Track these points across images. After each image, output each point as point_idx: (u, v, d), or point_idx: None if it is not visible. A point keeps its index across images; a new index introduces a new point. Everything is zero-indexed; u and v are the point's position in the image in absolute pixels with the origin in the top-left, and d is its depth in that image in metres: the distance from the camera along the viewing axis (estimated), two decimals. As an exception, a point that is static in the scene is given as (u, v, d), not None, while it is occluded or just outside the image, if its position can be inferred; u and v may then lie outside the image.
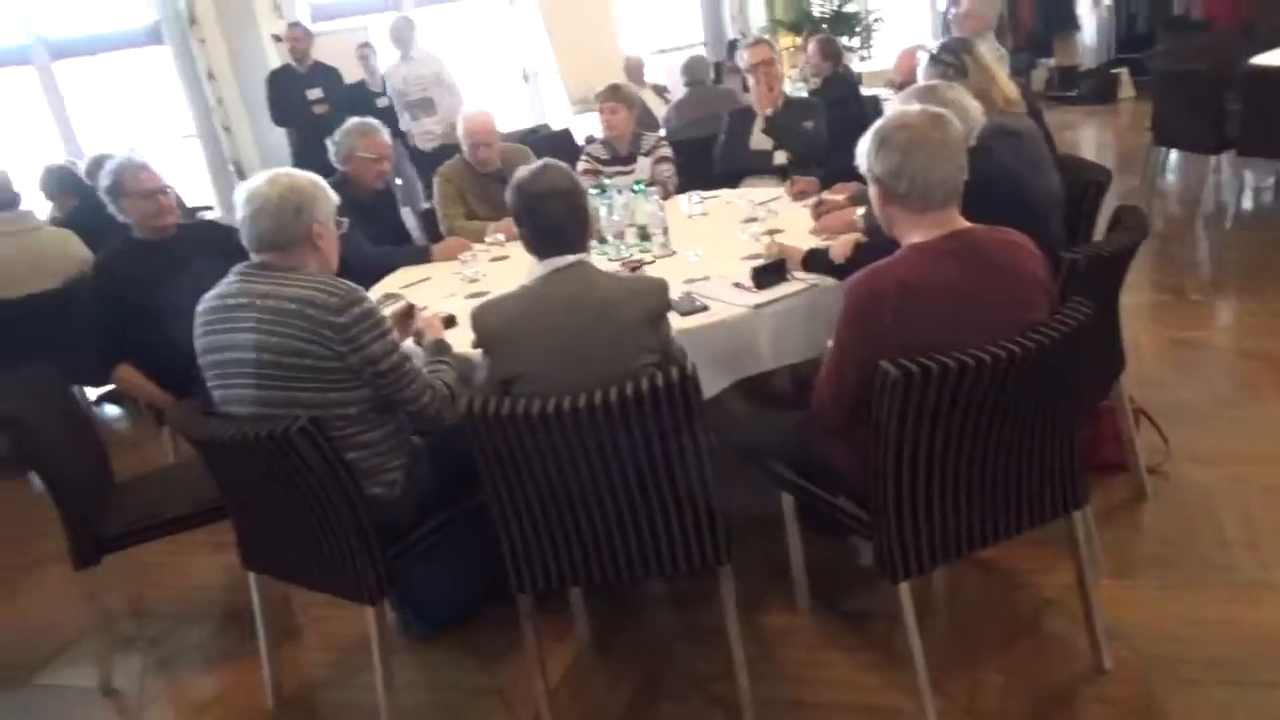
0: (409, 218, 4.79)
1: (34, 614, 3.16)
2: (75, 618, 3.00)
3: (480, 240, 3.60)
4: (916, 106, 1.97)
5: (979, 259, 1.84)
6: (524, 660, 2.36)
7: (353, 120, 3.74)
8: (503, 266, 3.32)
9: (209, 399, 2.29)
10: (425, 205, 4.45)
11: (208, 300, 2.21)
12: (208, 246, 3.45)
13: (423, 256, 3.61)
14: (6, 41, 6.88)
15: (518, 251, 3.48)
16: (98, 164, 4.77)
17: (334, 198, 2.27)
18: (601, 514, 1.98)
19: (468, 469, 2.21)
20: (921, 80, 2.70)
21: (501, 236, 3.48)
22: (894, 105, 2.37)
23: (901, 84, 3.31)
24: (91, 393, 4.71)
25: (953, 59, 2.69)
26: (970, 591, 2.45)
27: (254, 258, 2.18)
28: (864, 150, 1.90)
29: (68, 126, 7.06)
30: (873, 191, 1.91)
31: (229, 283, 2.18)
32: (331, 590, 2.23)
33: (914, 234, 1.87)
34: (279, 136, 6.80)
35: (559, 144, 5.76)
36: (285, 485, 2.06)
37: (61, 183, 4.77)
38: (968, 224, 1.88)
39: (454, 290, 3.15)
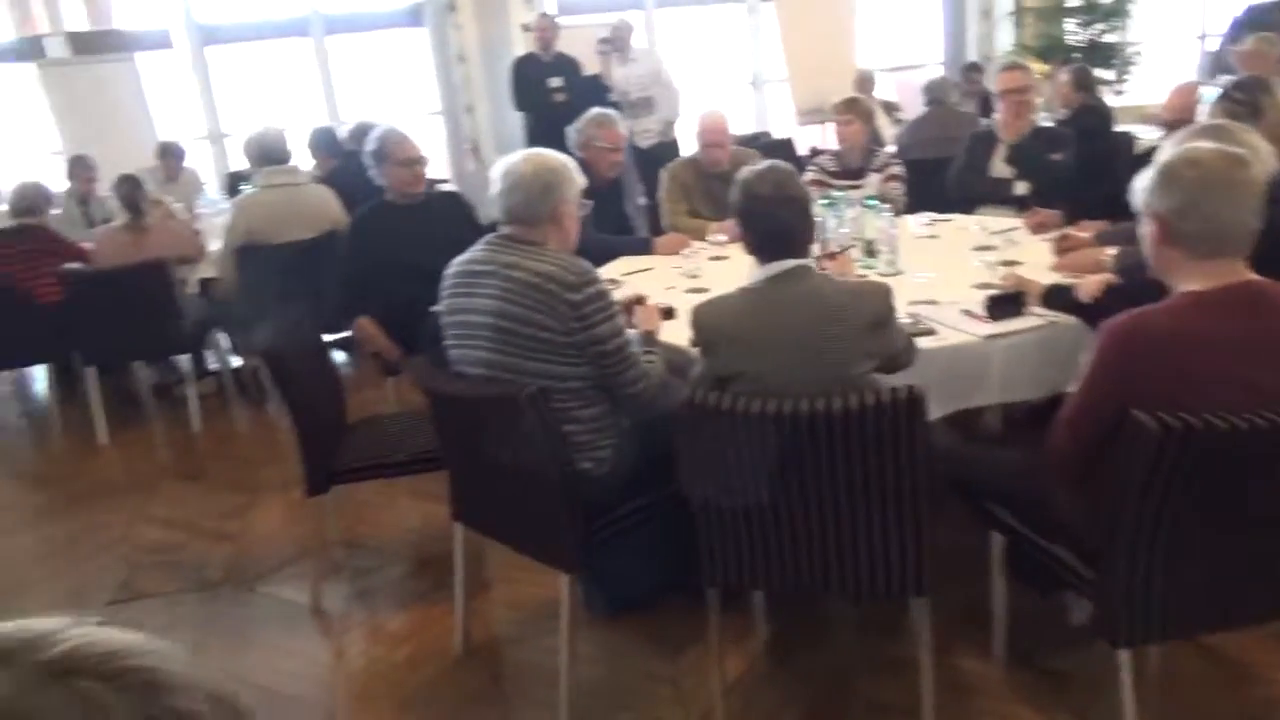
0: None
1: (263, 529, 3.49)
2: (296, 538, 3.30)
3: (701, 238, 3.64)
4: (1208, 144, 1.82)
5: (1269, 316, 1.68)
6: (701, 654, 2.38)
7: (594, 110, 3.88)
8: (722, 266, 3.34)
9: (436, 357, 2.44)
10: (639, 200, 4.55)
11: (457, 264, 2.36)
12: (451, 215, 3.69)
13: (644, 248, 3.70)
14: (290, 14, 7.61)
15: (738, 253, 3.54)
16: (361, 131, 5.18)
17: (581, 180, 2.37)
18: (804, 522, 1.96)
19: (670, 456, 2.25)
20: (1205, 118, 2.50)
21: (723, 236, 3.51)
22: (1171, 143, 2.21)
23: (1172, 122, 3.08)
24: (327, 337, 5.13)
25: (1246, 98, 2.48)
26: (1191, 675, 2.25)
27: (503, 229, 2.31)
28: (1144, 185, 1.78)
29: (332, 95, 7.72)
30: (1148, 229, 1.79)
31: (478, 250, 2.32)
32: (533, 554, 2.32)
33: (1190, 280, 1.73)
34: (515, 120, 7.14)
35: (779, 153, 5.73)
36: (505, 447, 2.17)
37: (325, 145, 5.22)
38: (1254, 276, 1.72)
39: (673, 284, 3.21)
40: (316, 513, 2.98)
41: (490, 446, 2.21)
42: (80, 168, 5.74)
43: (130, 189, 4.44)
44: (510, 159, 2.32)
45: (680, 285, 3.17)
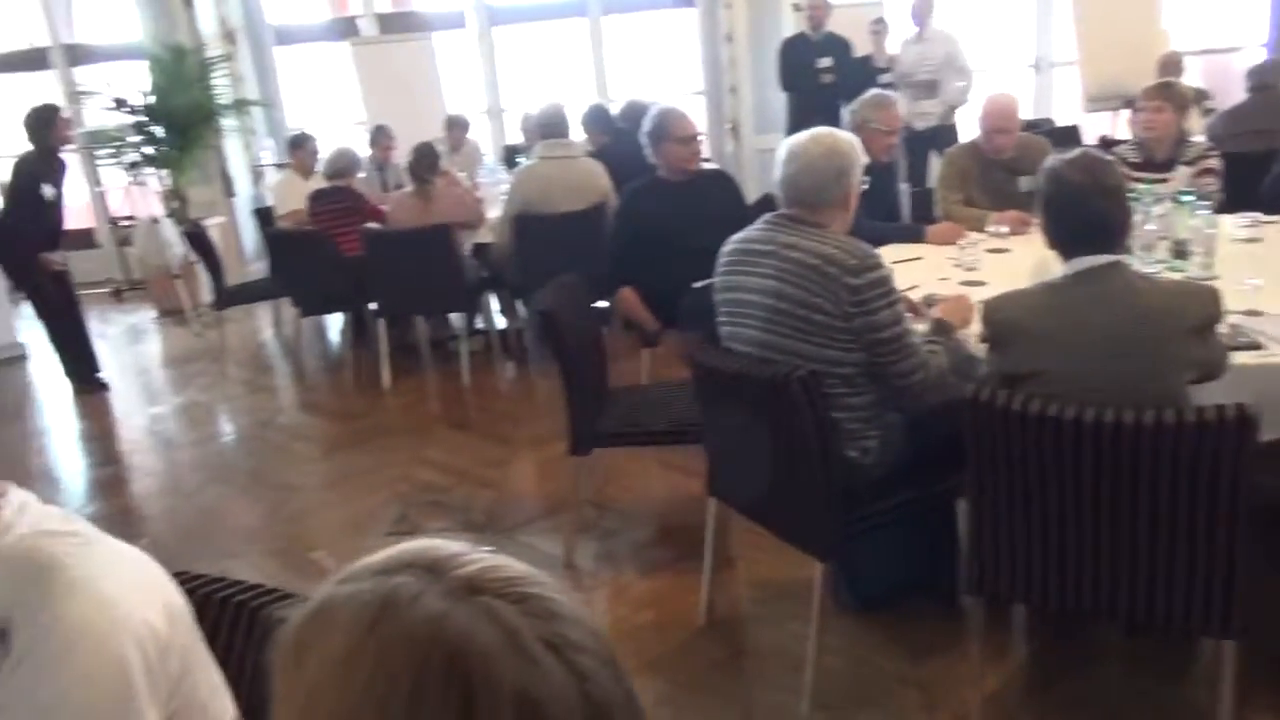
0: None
1: (521, 481, 3.72)
2: (549, 493, 3.48)
3: (978, 229, 3.45)
4: None
5: None
6: (950, 662, 2.28)
7: (873, 91, 3.76)
8: (1002, 260, 3.15)
9: (697, 332, 2.48)
10: (901, 185, 4.37)
11: (733, 242, 2.37)
12: (719, 194, 3.72)
13: (916, 236, 3.55)
14: (568, -4, 7.95)
15: (1019, 246, 3.33)
16: (632, 109, 5.35)
17: (864, 160, 2.31)
18: (1094, 539, 1.81)
19: (938, 455, 2.15)
20: None
21: (1005, 228, 3.31)
22: None
23: None
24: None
25: None
26: None
27: (784, 209, 2.29)
28: None
29: (603, 74, 8.01)
30: None
31: (757, 229, 2.31)
32: (786, 537, 2.31)
33: None
34: (778, 100, 7.08)
35: (1066, 142, 5.31)
36: (770, 427, 2.16)
37: (598, 121, 5.42)
38: None
39: (946, 275, 3.06)
40: (572, 471, 3.12)
41: (754, 426, 2.21)
42: (382, 136, 6.31)
43: (425, 157, 4.83)
44: (796, 139, 2.30)
45: (954, 277, 3.01)
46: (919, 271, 3.12)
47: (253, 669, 1.24)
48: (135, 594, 0.95)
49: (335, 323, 6.07)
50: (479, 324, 5.32)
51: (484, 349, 5.21)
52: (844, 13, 6.83)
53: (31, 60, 8.11)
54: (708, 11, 7.76)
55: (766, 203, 5.52)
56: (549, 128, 4.64)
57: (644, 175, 3.75)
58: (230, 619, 1.28)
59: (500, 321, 5.36)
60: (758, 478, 2.31)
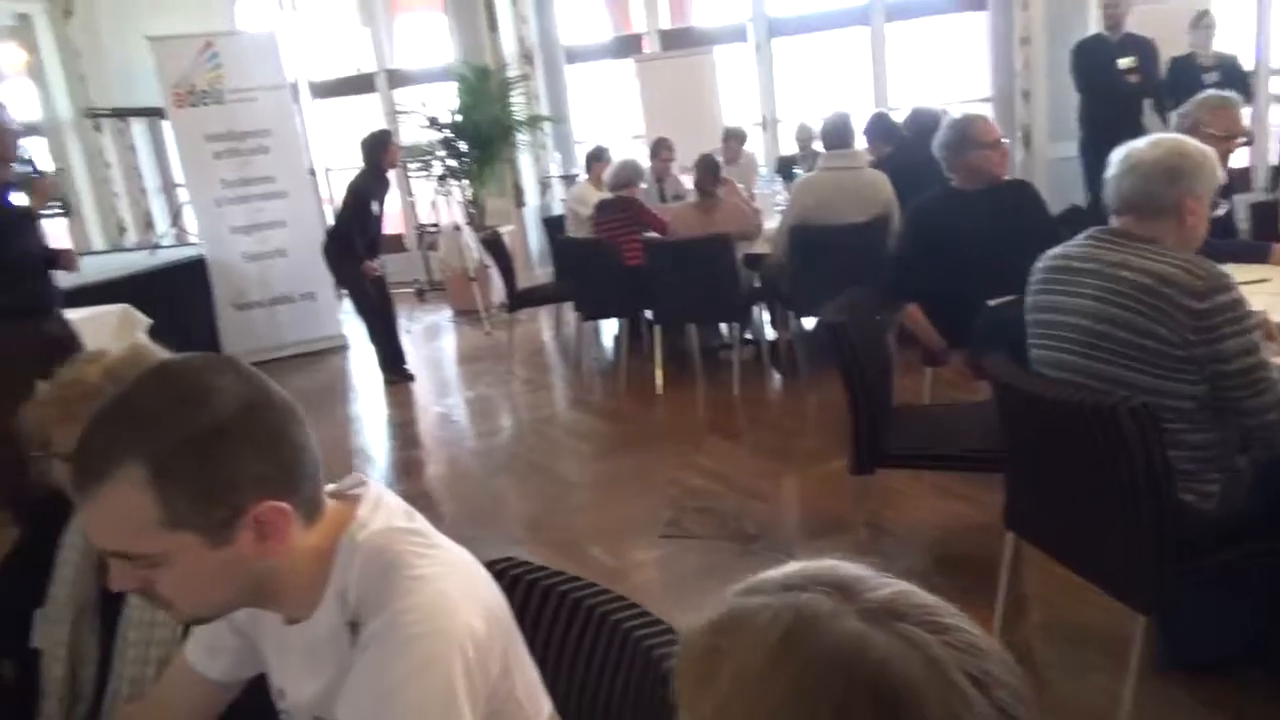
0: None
1: (794, 497, 3.68)
2: (823, 511, 3.41)
3: (1339, 248, 2.99)
4: None
5: None
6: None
7: (1210, 92, 3.36)
8: (1372, 284, 2.71)
9: (988, 353, 2.31)
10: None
11: (1049, 258, 2.20)
12: (1019, 205, 3.48)
13: (1260, 255, 3.14)
14: (853, 3, 7.81)
15: None
16: (919, 117, 5.15)
17: (1220, 175, 2.06)
18: None
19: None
20: None
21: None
22: None
23: None
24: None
25: None
26: None
27: (1112, 222, 2.09)
28: None
29: (883, 82, 7.80)
30: None
31: (1076, 244, 2.13)
32: (1101, 583, 2.10)
33: None
34: (1069, 104, 6.56)
35: None
36: (1090, 461, 1.98)
37: (882, 131, 5.27)
38: None
39: (1299, 300, 2.67)
40: (848, 490, 3.04)
41: (1071, 459, 2.03)
42: (661, 149, 6.50)
43: (710, 169, 4.92)
44: (1134, 143, 2.09)
45: (1310, 303, 2.62)
46: (1265, 296, 2.75)
47: (571, 658, 1.30)
48: (465, 600, 0.99)
49: (610, 328, 6.33)
50: (747, 334, 5.35)
51: (753, 359, 5.22)
52: (1153, 11, 6.24)
53: (359, 84, 9.15)
54: (1000, 13, 7.34)
55: (1073, 215, 5.12)
56: (833, 137, 4.57)
57: (930, 186, 3.59)
58: (553, 608, 1.35)
59: (770, 333, 5.35)
60: (1070, 516, 2.12)
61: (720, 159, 6.41)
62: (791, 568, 0.60)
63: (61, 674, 1.42)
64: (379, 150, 5.45)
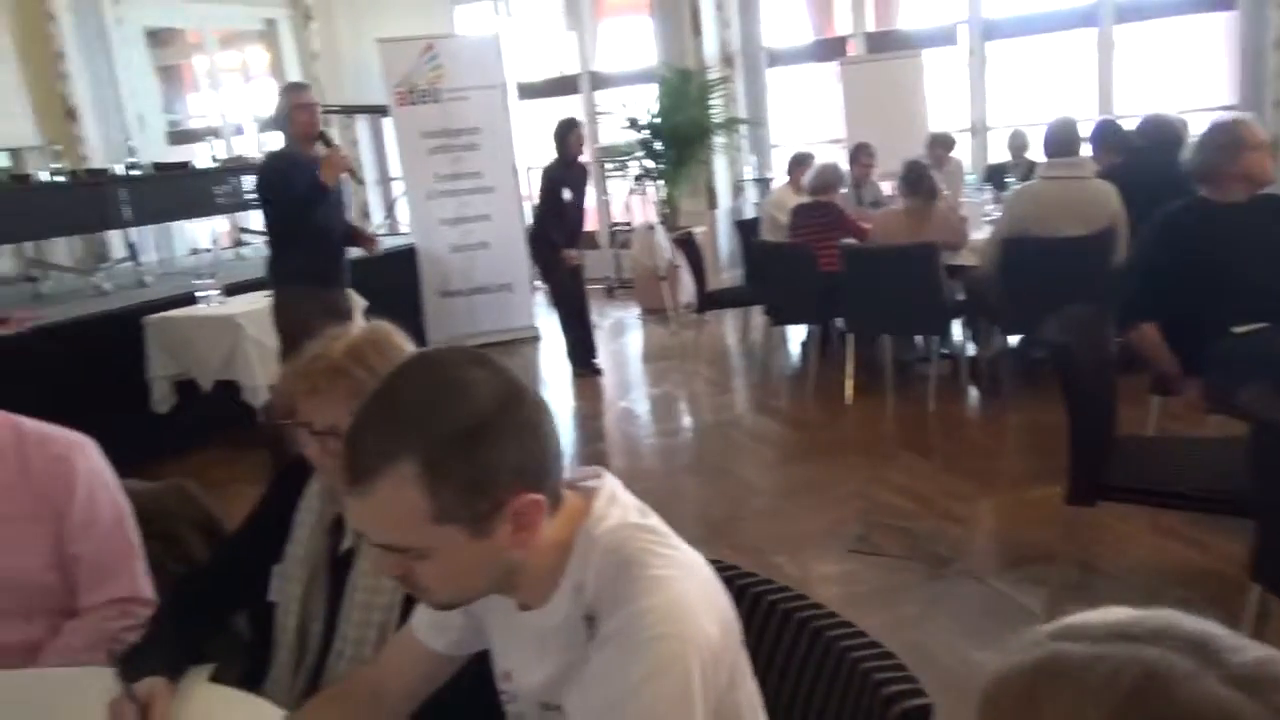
0: None
1: (993, 522, 3.48)
2: (1030, 541, 3.19)
3: None
4: None
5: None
6: None
7: None
8: None
9: (1230, 383, 2.07)
10: None
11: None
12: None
13: None
14: (1077, 3, 7.32)
15: None
16: (1154, 125, 4.75)
17: None
18: None
19: None
20: None
21: None
22: None
23: None
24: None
25: None
26: None
27: None
28: None
29: (1109, 87, 7.27)
30: None
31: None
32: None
33: None
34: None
35: None
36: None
37: (1111, 139, 4.90)
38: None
39: None
40: (1053, 520, 2.82)
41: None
42: (861, 154, 6.34)
43: (921, 176, 4.73)
44: None
45: None
46: None
47: (784, 674, 1.25)
48: (702, 604, 0.97)
49: (798, 334, 6.22)
50: (944, 349, 5.11)
51: (950, 375, 4.98)
52: None
53: (563, 86, 9.44)
54: (1252, 14, 6.67)
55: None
56: (1056, 145, 4.28)
57: (1165, 199, 3.28)
58: (761, 616, 1.31)
59: (969, 348, 5.09)
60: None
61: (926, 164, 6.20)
62: (1121, 615, 0.54)
63: (293, 627, 1.51)
64: (565, 137, 5.62)
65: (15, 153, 7.85)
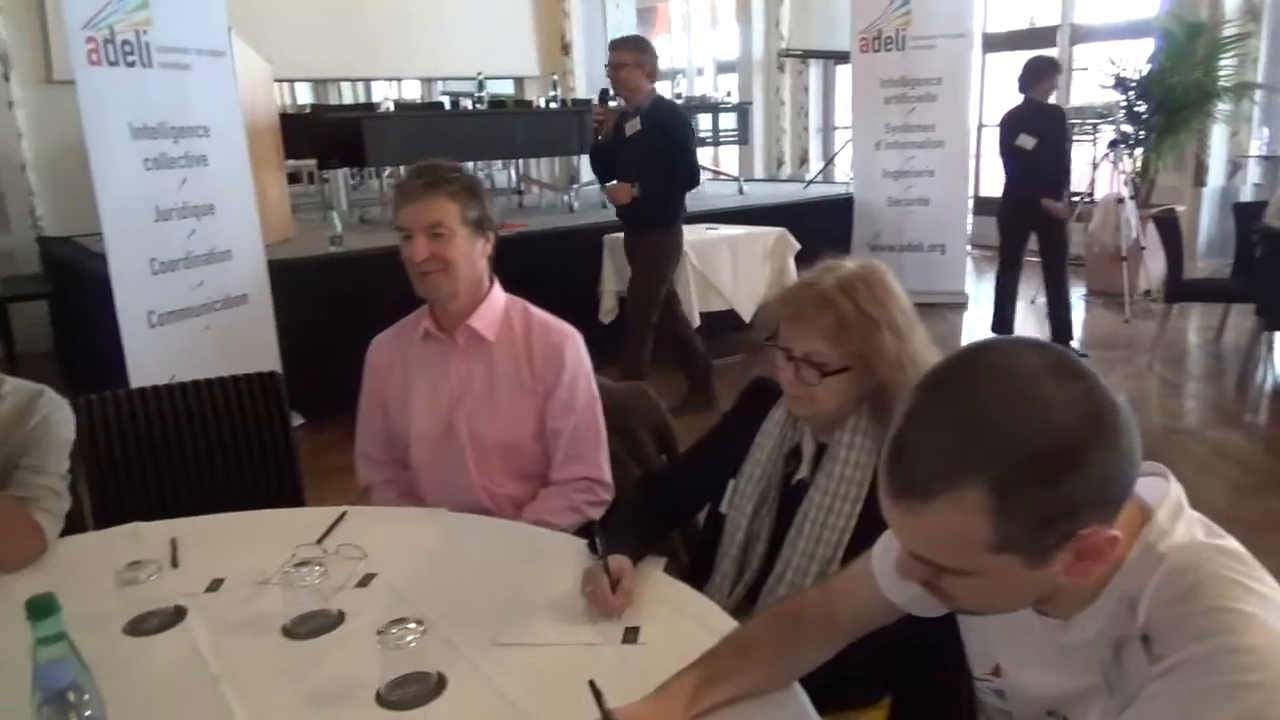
0: None
1: None
2: None
3: None
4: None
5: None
6: None
7: None
8: None
9: None
10: None
11: None
12: None
13: None
14: None
15: None
16: None
17: None
18: None
19: None
20: None
21: None
22: None
23: None
24: None
25: None
26: None
27: None
28: None
29: None
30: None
31: None
32: None
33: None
34: None
35: None
36: None
37: None
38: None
39: None
40: None
41: None
42: None
43: None
44: None
45: None
46: None
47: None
48: None
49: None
50: None
51: None
52: None
53: (1036, 38, 8.64)
54: None
55: None
56: None
57: None
58: None
59: None
60: None
61: None
62: None
63: (739, 542, 1.55)
64: (1033, 74, 5.13)
65: (519, 81, 9.01)
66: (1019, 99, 5.28)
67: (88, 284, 4.39)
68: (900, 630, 1.19)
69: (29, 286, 5.87)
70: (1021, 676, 0.98)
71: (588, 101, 6.96)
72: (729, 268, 5.22)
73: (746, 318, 5.23)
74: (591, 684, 1.03)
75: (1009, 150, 5.27)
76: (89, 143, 3.40)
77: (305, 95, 8.99)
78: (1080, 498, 0.80)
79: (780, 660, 1.16)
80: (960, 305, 6.75)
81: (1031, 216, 5.27)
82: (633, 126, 4.31)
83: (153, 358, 3.52)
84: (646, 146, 4.22)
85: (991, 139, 8.50)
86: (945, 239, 6.74)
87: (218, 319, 3.92)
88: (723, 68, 10.98)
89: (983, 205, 7.73)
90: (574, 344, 1.91)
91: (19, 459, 1.66)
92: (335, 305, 4.47)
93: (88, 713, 0.88)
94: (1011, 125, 5.27)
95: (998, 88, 8.87)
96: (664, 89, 9.94)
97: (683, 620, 1.34)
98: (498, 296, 1.92)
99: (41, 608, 0.95)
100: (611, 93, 4.51)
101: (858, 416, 1.48)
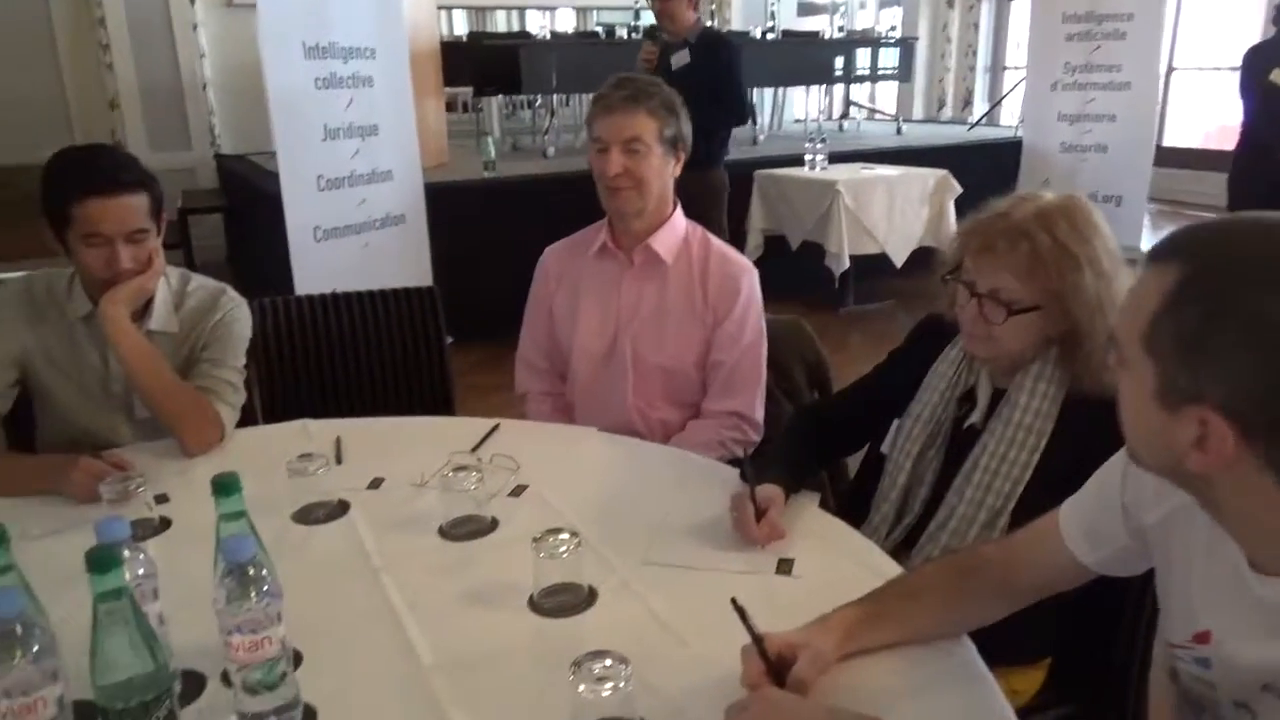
0: None
1: None
2: None
3: None
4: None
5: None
6: None
7: None
8: None
9: None
10: None
11: None
12: None
13: None
14: None
15: None
16: None
17: None
18: None
19: None
20: None
21: None
22: None
23: None
24: None
25: None
26: None
27: None
28: None
29: None
30: None
31: None
32: None
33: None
34: None
35: None
36: None
37: None
38: None
39: None
40: None
41: None
42: None
43: None
44: None
45: None
46: None
47: None
48: None
49: None
50: None
51: None
52: None
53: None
54: None
55: None
56: None
57: None
58: None
59: None
60: None
61: None
62: None
63: (901, 484, 1.47)
64: None
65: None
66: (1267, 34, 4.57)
67: (260, 199, 4.60)
68: (1070, 592, 1.11)
69: (207, 200, 6.24)
70: (1231, 642, 0.88)
71: (745, 33, 6.76)
72: (884, 209, 5.02)
73: (899, 262, 5.03)
74: (734, 601, 1.00)
75: (1254, 89, 4.63)
76: (265, 61, 3.52)
77: (461, 25, 9.09)
78: (1230, 366, 0.75)
79: (949, 611, 1.09)
80: (1133, 262, 6.27)
81: (1277, 167, 4.66)
82: (680, 59, 4.11)
83: (317, 270, 3.66)
84: (696, 79, 3.81)
85: (1183, 84, 7.82)
86: (1122, 190, 6.25)
87: (376, 237, 4.03)
88: (885, 2, 10.46)
89: (1166, 155, 7.11)
90: (750, 278, 1.86)
91: (201, 352, 1.75)
92: (486, 230, 4.54)
93: (265, 587, 0.91)
94: (1263, 59, 4.64)
95: (1193, 29, 8.13)
96: (821, 22, 9.55)
97: (839, 558, 1.29)
98: (679, 220, 1.88)
99: (226, 486, 0.99)
100: (658, 27, 4.30)
101: (1043, 362, 1.37)
